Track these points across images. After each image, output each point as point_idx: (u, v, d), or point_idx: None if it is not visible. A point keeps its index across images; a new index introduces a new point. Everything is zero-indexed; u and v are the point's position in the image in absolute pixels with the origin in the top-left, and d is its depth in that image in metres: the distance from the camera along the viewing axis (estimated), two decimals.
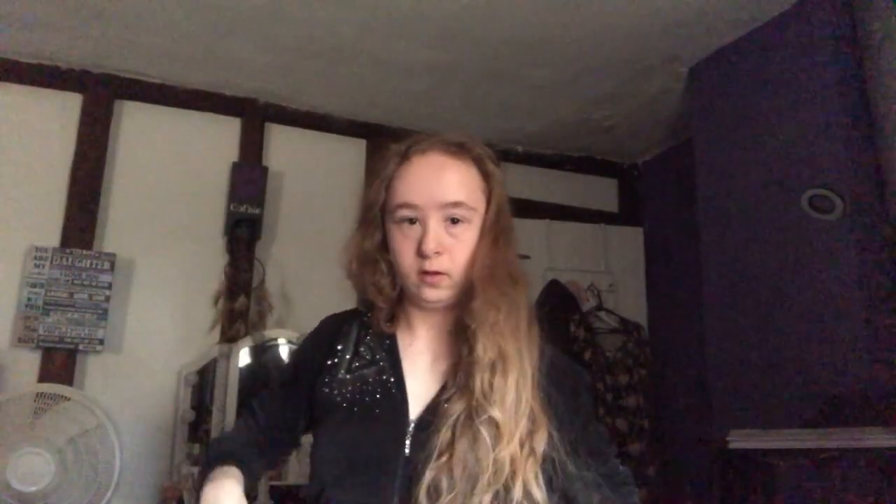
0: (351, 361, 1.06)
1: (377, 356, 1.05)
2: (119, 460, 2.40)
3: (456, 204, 1.01)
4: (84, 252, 2.60)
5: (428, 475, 0.91)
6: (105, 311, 2.58)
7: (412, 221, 1.02)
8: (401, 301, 1.08)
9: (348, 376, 1.04)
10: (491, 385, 0.93)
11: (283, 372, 1.19)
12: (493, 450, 0.91)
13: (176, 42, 2.57)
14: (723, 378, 2.37)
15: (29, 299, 2.51)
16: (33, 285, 2.52)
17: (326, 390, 1.04)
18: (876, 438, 1.68)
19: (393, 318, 1.08)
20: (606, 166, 3.63)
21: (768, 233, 2.27)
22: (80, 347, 2.53)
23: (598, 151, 3.55)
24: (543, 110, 3.07)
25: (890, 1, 1.90)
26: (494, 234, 1.04)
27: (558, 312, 3.16)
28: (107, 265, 2.61)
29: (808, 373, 2.06)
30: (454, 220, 1.01)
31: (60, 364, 2.52)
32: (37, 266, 2.53)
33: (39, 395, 2.35)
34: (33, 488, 2.21)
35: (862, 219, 2.00)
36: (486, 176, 1.06)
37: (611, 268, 3.40)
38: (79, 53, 2.66)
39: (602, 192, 3.62)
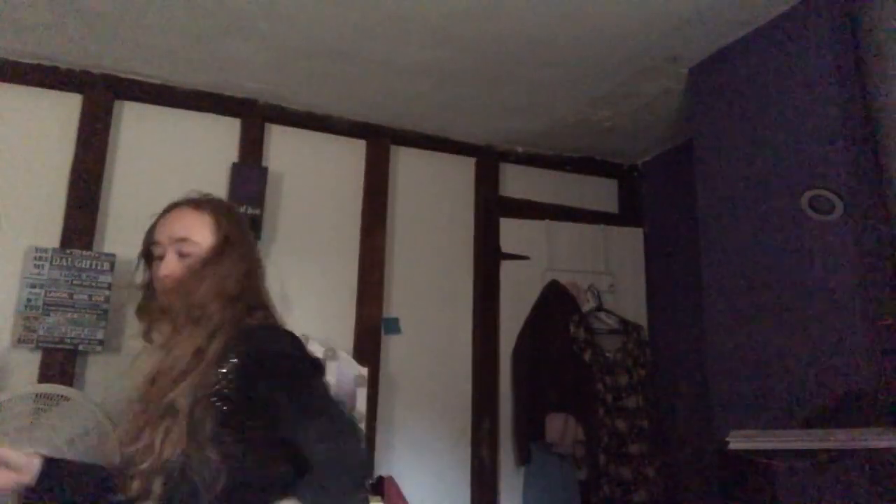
0: None
1: None
2: (118, 461, 2.40)
3: (183, 239, 1.33)
4: (84, 252, 2.60)
5: None
6: (105, 312, 2.58)
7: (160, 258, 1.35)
8: None
9: None
10: (150, 367, 1.27)
11: None
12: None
13: (176, 42, 2.57)
14: (723, 378, 2.37)
15: (29, 300, 2.51)
16: (33, 286, 2.52)
17: None
18: (876, 438, 1.68)
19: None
20: (606, 167, 3.63)
21: (768, 233, 2.27)
22: (80, 348, 2.53)
23: (598, 152, 3.56)
24: (543, 110, 3.08)
25: (890, 1, 1.90)
26: (205, 261, 1.32)
27: (558, 313, 3.16)
28: (107, 265, 2.61)
29: (808, 373, 2.06)
30: (183, 253, 1.33)
31: (60, 364, 2.52)
32: (37, 266, 2.54)
33: (39, 396, 2.35)
34: None
35: (862, 219, 2.00)
36: (217, 222, 1.37)
37: (611, 268, 3.40)
38: (79, 53, 2.66)
39: (602, 193, 3.62)
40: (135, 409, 1.25)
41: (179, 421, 1.18)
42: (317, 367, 1.32)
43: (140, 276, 1.41)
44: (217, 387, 1.22)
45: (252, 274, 1.37)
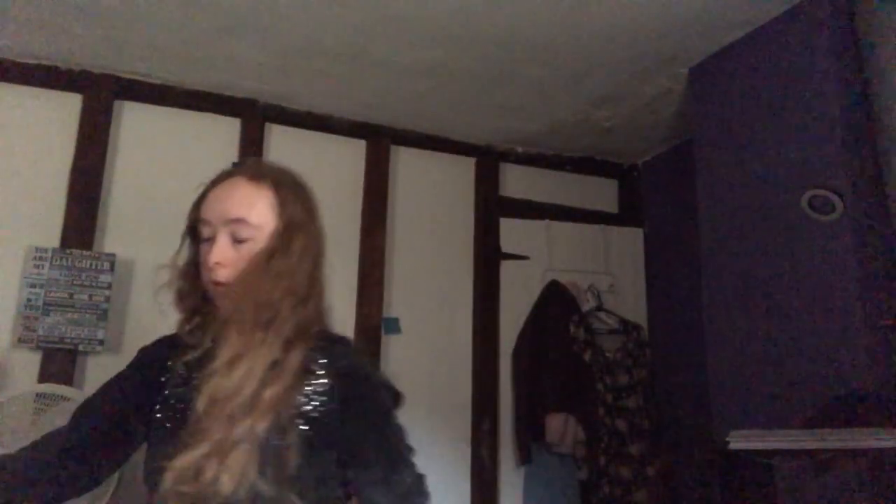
0: (175, 380, 1.13)
1: (193, 374, 1.10)
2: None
3: (239, 220, 1.08)
4: (84, 252, 2.60)
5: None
6: (105, 312, 2.58)
7: (209, 239, 1.10)
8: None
9: (168, 393, 1.13)
10: (216, 387, 1.01)
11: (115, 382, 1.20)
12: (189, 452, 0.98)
13: (176, 42, 2.57)
14: (723, 378, 2.37)
15: (29, 300, 2.51)
16: (33, 286, 2.52)
17: (158, 407, 1.12)
18: (876, 438, 1.68)
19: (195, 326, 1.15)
20: (606, 166, 3.63)
21: (768, 233, 2.27)
22: (80, 348, 2.53)
23: (598, 152, 3.55)
24: (543, 110, 3.08)
25: (889, 1, 1.90)
26: (272, 250, 1.08)
27: (558, 313, 3.16)
28: (107, 265, 2.61)
29: (808, 373, 2.07)
30: (239, 239, 1.08)
31: (60, 364, 2.52)
32: (37, 266, 2.54)
33: (39, 396, 2.35)
34: None
35: (862, 219, 2.00)
36: (281, 200, 1.12)
37: (611, 268, 3.40)
38: (79, 53, 2.66)
39: (602, 193, 3.62)
40: (193, 437, 1.00)
41: (251, 451, 0.98)
42: (398, 399, 1.15)
43: (182, 257, 1.16)
44: (303, 407, 1.04)
45: (319, 265, 1.17)
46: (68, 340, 2.52)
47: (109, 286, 2.59)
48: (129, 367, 1.20)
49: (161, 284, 1.16)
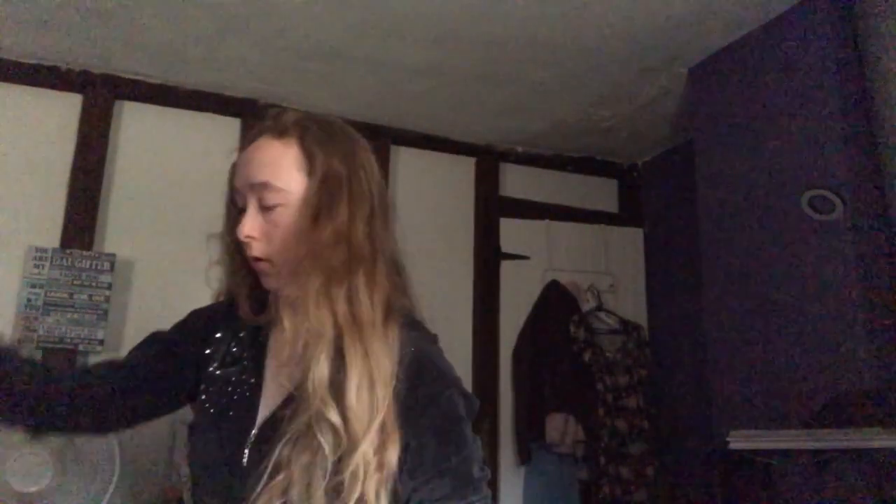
0: (223, 356, 1.02)
1: (244, 353, 1.01)
2: (119, 460, 2.40)
3: (263, 185, 0.92)
4: (84, 252, 2.60)
5: (261, 499, 0.83)
6: (105, 312, 2.58)
7: (243, 209, 0.96)
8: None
9: (217, 373, 1.00)
10: (331, 385, 0.85)
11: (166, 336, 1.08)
12: (334, 463, 0.82)
13: (176, 42, 2.57)
14: (723, 378, 2.37)
15: (29, 300, 2.51)
16: (33, 286, 2.52)
17: (203, 386, 1.00)
18: (876, 438, 1.68)
19: (262, 308, 1.00)
20: (606, 166, 3.63)
21: (768, 233, 2.27)
22: (80, 348, 2.53)
23: (598, 152, 3.56)
24: (543, 110, 3.08)
25: (889, 1, 1.90)
26: (314, 213, 0.91)
27: (558, 313, 3.16)
28: (107, 265, 2.61)
29: (808, 373, 2.07)
30: (267, 206, 0.92)
31: (60, 364, 2.51)
32: (37, 266, 2.54)
33: None
34: (33, 488, 2.21)
35: (862, 219, 2.00)
36: (308, 154, 0.94)
37: (611, 268, 3.40)
38: (79, 53, 2.66)
39: (602, 193, 3.62)
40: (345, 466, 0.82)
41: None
42: (471, 407, 0.97)
43: (229, 229, 1.01)
44: None
45: (377, 221, 0.97)
46: (68, 340, 2.52)
47: (109, 286, 2.59)
48: (174, 331, 1.08)
49: (214, 261, 1.05)
